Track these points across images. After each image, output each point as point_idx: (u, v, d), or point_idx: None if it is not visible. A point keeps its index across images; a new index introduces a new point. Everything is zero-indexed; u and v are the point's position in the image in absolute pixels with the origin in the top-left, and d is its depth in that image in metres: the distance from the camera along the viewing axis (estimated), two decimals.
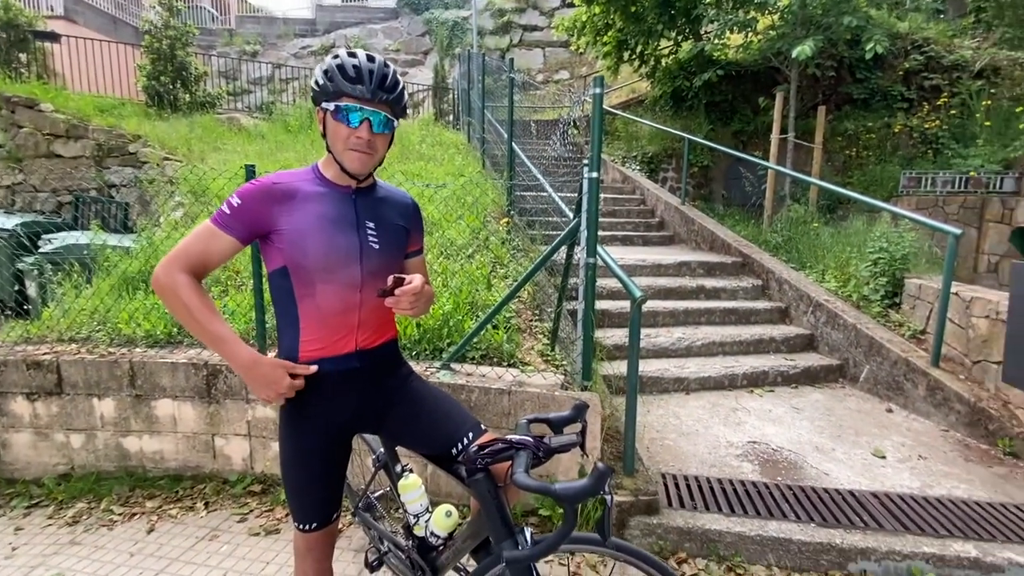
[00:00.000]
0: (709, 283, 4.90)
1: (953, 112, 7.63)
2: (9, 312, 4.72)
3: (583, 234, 2.33)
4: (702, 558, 2.25)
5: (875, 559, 2.16)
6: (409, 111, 13.59)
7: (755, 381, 3.92)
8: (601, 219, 6.62)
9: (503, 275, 3.88)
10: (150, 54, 9.87)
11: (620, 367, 3.49)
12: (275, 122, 10.09)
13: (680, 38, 8.73)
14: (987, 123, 7.06)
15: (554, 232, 4.95)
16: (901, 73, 8.11)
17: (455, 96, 11.83)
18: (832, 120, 7.91)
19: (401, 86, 1.24)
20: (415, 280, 1.20)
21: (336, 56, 1.21)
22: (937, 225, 3.76)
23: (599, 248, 2.33)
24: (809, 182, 6.12)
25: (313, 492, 1.30)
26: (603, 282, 4.19)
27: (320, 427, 1.30)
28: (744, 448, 3.01)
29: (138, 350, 3.02)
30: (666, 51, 9.08)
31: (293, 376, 1.23)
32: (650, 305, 4.45)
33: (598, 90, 2.19)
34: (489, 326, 2.84)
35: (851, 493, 2.56)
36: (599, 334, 3.94)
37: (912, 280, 4.12)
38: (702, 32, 8.62)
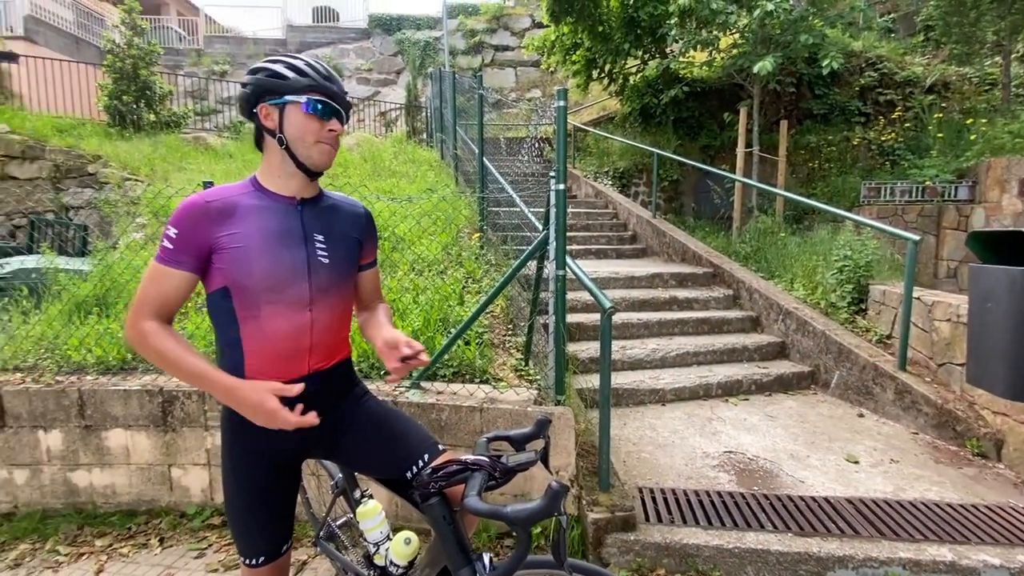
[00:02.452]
0: (682, 294, 4.93)
1: (907, 125, 7.98)
2: None
3: (552, 246, 2.30)
4: (680, 574, 2.20)
5: (852, 567, 2.14)
6: (382, 129, 13.58)
7: (730, 390, 3.93)
8: (575, 233, 6.74)
9: (476, 290, 3.83)
10: (112, 73, 9.68)
11: (595, 380, 3.45)
12: (243, 141, 9.94)
13: (647, 56, 8.96)
14: (939, 135, 7.39)
15: (527, 247, 4.95)
16: (857, 89, 8.47)
17: (428, 114, 11.86)
18: (795, 134, 8.18)
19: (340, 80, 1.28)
20: (412, 344, 1.19)
21: (296, 57, 1.20)
22: (897, 232, 3.87)
23: (568, 260, 2.31)
24: (775, 193, 6.28)
25: (259, 524, 1.21)
26: (576, 295, 4.17)
27: (264, 456, 1.22)
28: (720, 458, 2.99)
29: (88, 378, 2.85)
30: (633, 69, 9.30)
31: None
32: (624, 317, 4.45)
33: (561, 103, 2.19)
34: (460, 342, 2.78)
35: (827, 500, 2.55)
36: (573, 347, 3.91)
37: (876, 286, 4.22)
38: (667, 51, 8.88)
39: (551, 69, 11.99)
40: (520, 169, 8.06)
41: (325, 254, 1.21)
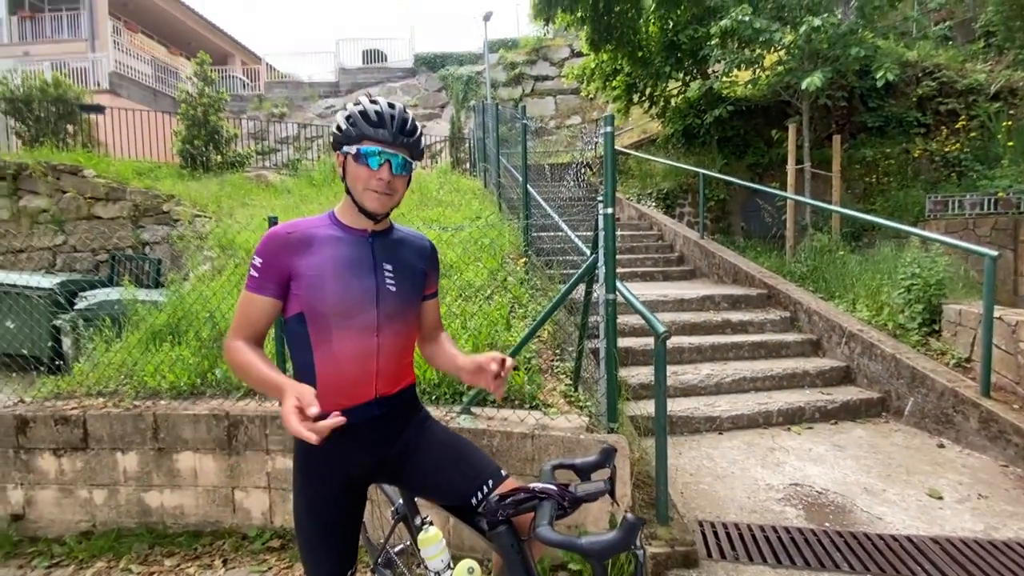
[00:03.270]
0: (735, 316, 4.77)
1: (973, 134, 7.52)
2: (43, 368, 4.86)
3: (601, 270, 2.30)
4: None
5: None
6: (427, 161, 14.08)
7: (791, 418, 3.73)
8: (620, 256, 6.68)
9: (522, 315, 3.84)
10: (185, 120, 10.51)
11: (647, 407, 3.37)
12: (300, 177, 10.52)
13: (688, 78, 8.93)
14: (1010, 143, 6.92)
15: (572, 271, 4.95)
16: (915, 99, 8.09)
17: (471, 145, 12.21)
18: (848, 148, 7.87)
19: (419, 130, 1.28)
20: (495, 357, 1.24)
21: (358, 103, 1.25)
22: (972, 248, 3.62)
23: (618, 284, 2.29)
24: (832, 211, 6.03)
25: (327, 546, 1.24)
26: (625, 319, 4.11)
27: (336, 478, 1.25)
28: (786, 491, 2.82)
29: (162, 402, 3.03)
30: (675, 91, 9.28)
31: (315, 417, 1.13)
32: (675, 341, 4.33)
33: (608, 128, 2.21)
34: None
35: (909, 539, 2.35)
36: (623, 373, 3.83)
37: (950, 306, 3.94)
38: (709, 71, 8.83)
39: (591, 96, 12.14)
40: (563, 194, 8.13)
41: (393, 282, 1.27)
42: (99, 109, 11.22)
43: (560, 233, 4.65)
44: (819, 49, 6.67)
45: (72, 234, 8.46)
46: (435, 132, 14.74)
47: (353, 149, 1.20)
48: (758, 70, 7.71)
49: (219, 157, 10.83)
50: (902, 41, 8.53)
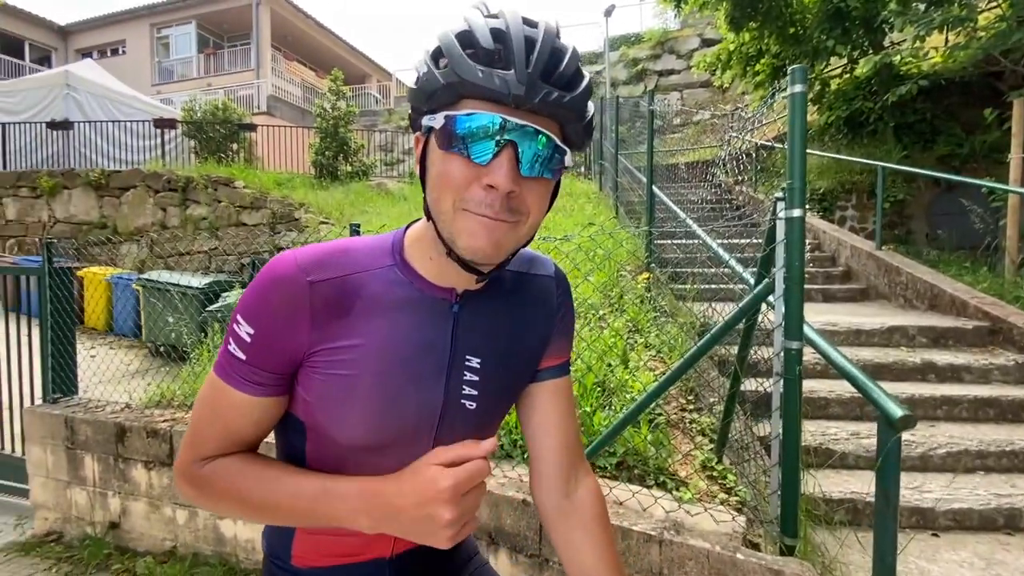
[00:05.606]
0: (941, 358, 3.50)
1: None
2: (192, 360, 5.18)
3: (779, 304, 1.50)
4: None
5: None
6: None
7: None
8: None
9: (642, 345, 3.09)
10: (319, 133, 11.37)
11: (830, 483, 2.45)
12: (416, 185, 10.75)
13: (856, 54, 7.35)
14: None
15: (707, 287, 4.04)
16: None
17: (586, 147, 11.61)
18: None
19: (586, 80, 0.59)
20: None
21: (462, 20, 0.58)
22: None
23: (809, 331, 1.47)
24: None
25: None
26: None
27: None
28: None
29: None
30: (836, 71, 7.73)
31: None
32: (850, 387, 3.24)
33: (798, 87, 1.42)
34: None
35: None
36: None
37: None
38: (886, 44, 7.18)
39: (724, 86, 10.81)
40: (691, 197, 7.11)
41: (474, 393, 0.67)
42: (252, 128, 12.56)
43: (692, 241, 3.79)
44: None
45: (223, 239, 9.37)
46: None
47: (438, 119, 0.56)
48: (960, 35, 6.00)
49: (347, 167, 11.54)
50: None
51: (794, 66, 1.44)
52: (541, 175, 0.57)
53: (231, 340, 0.61)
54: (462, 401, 0.66)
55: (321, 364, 0.60)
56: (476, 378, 0.67)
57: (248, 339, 0.59)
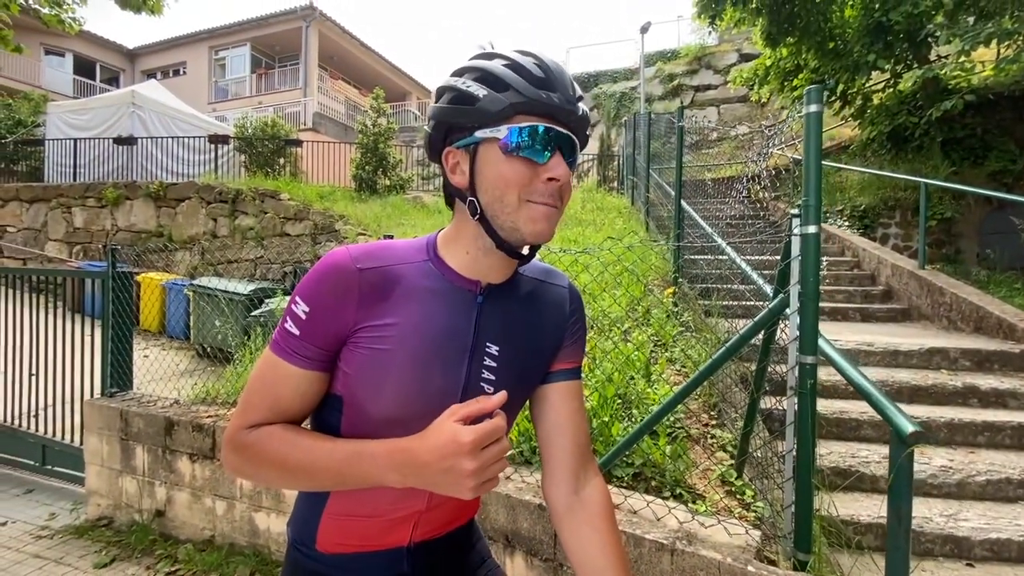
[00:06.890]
0: (984, 383, 3.35)
1: None
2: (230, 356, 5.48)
3: (793, 318, 1.52)
4: None
5: None
6: (574, 179, 13.74)
7: None
8: None
9: (665, 360, 3.10)
10: (360, 149, 11.83)
11: (858, 507, 2.39)
12: None
13: (899, 68, 7.17)
14: None
15: (733, 303, 4.01)
16: None
17: (620, 162, 11.62)
18: None
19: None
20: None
21: (494, 56, 0.72)
22: None
23: (825, 344, 1.48)
24: None
25: None
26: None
27: None
28: None
29: None
30: (879, 86, 7.54)
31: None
32: None
33: (814, 107, 1.46)
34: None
35: None
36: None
37: None
38: (931, 57, 6.97)
39: (761, 101, 10.67)
40: (724, 213, 7.03)
41: (492, 378, 0.76)
42: (298, 143, 13.18)
43: (719, 258, 3.78)
44: None
45: (268, 248, 9.82)
46: (584, 151, 14.37)
47: (501, 131, 0.68)
48: (1011, 47, 5.79)
49: (386, 181, 11.94)
50: None
51: (809, 87, 1.48)
52: (571, 170, 0.73)
53: (287, 318, 0.72)
54: (481, 384, 0.75)
55: (364, 340, 0.70)
56: (495, 364, 0.76)
57: (304, 316, 0.70)
